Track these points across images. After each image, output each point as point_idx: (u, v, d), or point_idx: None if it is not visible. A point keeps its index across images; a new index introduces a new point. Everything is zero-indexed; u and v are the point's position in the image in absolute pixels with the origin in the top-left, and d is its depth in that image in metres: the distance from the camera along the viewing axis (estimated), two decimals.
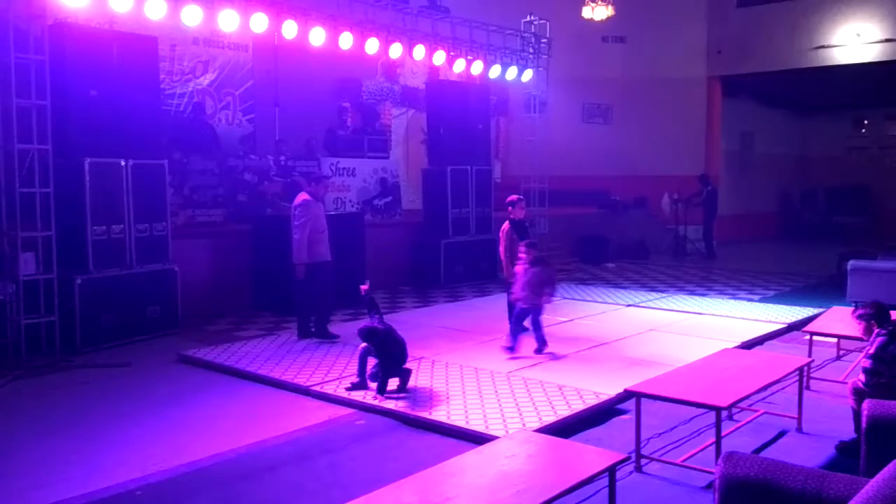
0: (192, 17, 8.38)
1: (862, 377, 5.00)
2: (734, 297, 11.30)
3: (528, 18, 13.70)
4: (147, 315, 8.49)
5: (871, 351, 5.00)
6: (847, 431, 5.11)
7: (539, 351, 7.48)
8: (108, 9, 7.83)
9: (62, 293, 7.81)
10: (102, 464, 4.91)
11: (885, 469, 2.35)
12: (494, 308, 9.30)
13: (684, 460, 4.73)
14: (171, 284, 8.75)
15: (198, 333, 8.74)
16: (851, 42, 17.18)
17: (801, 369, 5.55)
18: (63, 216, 7.87)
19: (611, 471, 3.49)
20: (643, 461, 4.73)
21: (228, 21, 8.70)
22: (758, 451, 5.03)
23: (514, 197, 8.68)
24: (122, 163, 8.27)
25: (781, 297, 11.20)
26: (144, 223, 8.49)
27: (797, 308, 9.76)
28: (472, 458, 3.66)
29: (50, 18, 7.94)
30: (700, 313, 9.62)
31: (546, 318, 9.13)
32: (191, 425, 5.72)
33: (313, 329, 8.28)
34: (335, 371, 6.89)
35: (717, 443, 4.41)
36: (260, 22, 8.99)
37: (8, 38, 7.39)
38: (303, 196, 8.17)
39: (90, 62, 8.04)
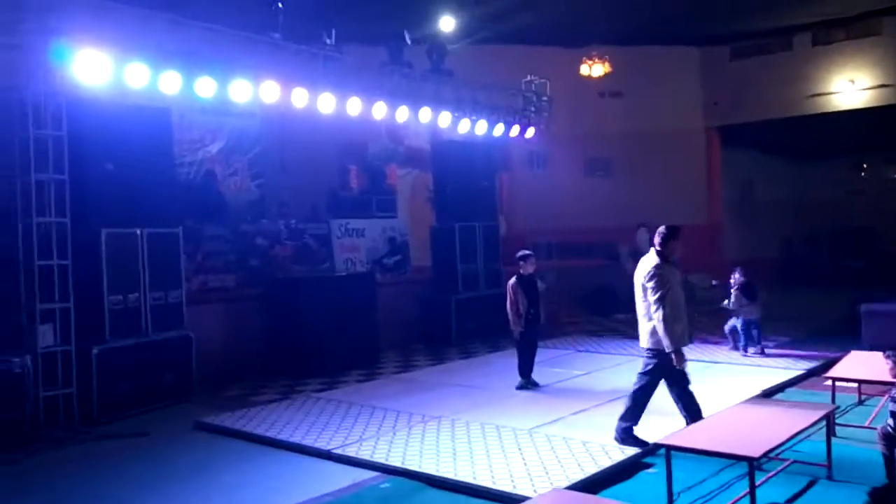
0: (205, 88, 8.57)
1: (891, 421, 4.97)
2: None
3: (528, 78, 13.98)
4: (163, 382, 8.46)
5: None
6: (878, 477, 5.05)
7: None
8: (124, 83, 7.99)
9: (79, 364, 7.80)
10: None
11: None
12: (508, 364, 9.25)
13: None
14: (187, 351, 8.74)
15: (213, 399, 8.69)
16: (845, 89, 17.51)
17: (826, 416, 5.52)
18: (80, 286, 7.92)
19: None
20: None
21: (241, 91, 8.88)
22: (790, 501, 4.97)
23: (524, 252, 8.75)
24: (138, 232, 8.36)
25: (797, 343, 11.13)
26: (160, 291, 8.53)
27: (815, 353, 9.74)
28: None
29: (67, 94, 8.11)
30: (717, 362, 9.58)
31: (562, 373, 9.18)
32: (212, 495, 5.66)
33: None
34: (356, 433, 6.84)
35: (752, 494, 4.37)
36: (271, 91, 9.17)
37: (27, 115, 7.57)
38: (653, 258, 6.13)
39: (107, 135, 8.20)
